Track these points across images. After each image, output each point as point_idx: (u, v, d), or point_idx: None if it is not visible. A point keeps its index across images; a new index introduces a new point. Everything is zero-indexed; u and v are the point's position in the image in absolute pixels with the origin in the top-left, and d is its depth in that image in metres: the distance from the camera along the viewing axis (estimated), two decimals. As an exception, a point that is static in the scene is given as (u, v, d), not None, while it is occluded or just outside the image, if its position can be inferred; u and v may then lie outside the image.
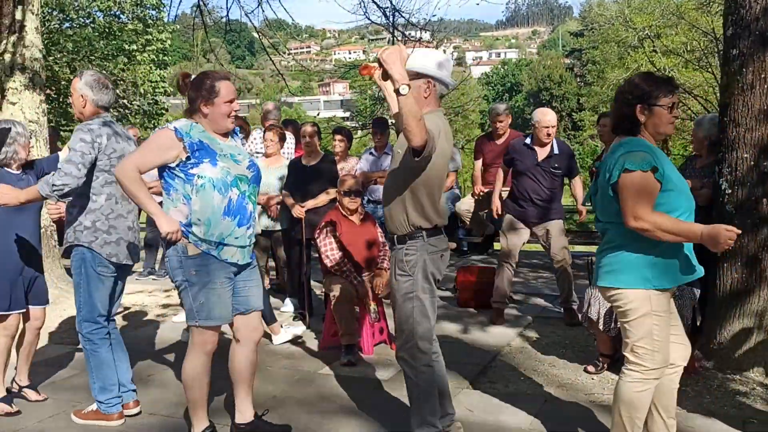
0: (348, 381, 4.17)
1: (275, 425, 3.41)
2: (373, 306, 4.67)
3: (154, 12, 18.65)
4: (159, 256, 7.44)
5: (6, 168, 3.75)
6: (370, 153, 7.20)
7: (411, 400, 3.09)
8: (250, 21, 8.44)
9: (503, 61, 74.40)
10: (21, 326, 3.89)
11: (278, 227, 5.89)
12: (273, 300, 6.40)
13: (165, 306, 6.29)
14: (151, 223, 6.90)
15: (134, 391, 3.74)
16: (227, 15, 8.83)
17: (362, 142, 23.99)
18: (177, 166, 3.05)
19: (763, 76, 4.03)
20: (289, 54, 10.62)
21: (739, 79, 4.11)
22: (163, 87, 20.02)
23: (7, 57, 6.11)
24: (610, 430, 2.92)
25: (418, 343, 2.99)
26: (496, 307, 5.41)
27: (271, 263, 6.88)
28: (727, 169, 4.18)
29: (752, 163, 4.09)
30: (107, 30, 17.53)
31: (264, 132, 6.24)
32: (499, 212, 5.63)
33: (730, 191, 4.17)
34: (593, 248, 9.54)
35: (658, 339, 2.72)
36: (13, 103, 6.11)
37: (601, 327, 4.14)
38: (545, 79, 55.55)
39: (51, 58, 15.60)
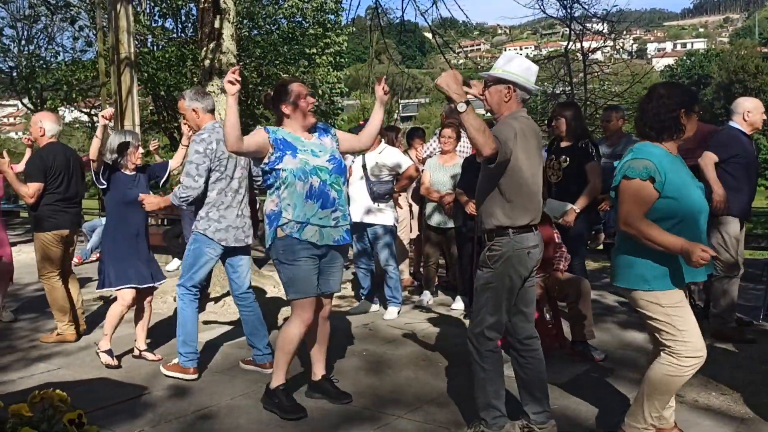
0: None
1: (338, 390, 3.87)
2: (546, 307, 4.53)
3: (332, 17, 19.49)
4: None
5: (122, 170, 4.60)
6: None
7: (476, 383, 3.23)
8: (425, 20, 8.51)
9: (689, 52, 69.18)
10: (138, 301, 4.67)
11: (451, 224, 5.92)
12: (443, 297, 6.47)
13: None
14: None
15: (270, 354, 4.24)
16: (402, 15, 9.02)
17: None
18: (267, 164, 3.57)
19: None
20: (461, 52, 10.57)
21: None
22: (339, 88, 20.88)
23: (207, 62, 6.67)
24: (631, 404, 3.08)
25: (485, 331, 3.17)
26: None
27: (441, 260, 6.92)
28: None
29: None
30: (290, 35, 18.58)
31: (441, 129, 6.28)
32: None
33: None
34: None
35: (683, 329, 2.83)
36: (212, 107, 6.66)
37: None
38: (738, 71, 50.93)
39: (240, 63, 16.84)
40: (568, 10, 10.76)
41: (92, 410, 3.55)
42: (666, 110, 2.86)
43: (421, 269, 6.62)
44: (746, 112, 4.82)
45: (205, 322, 5.51)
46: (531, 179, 3.10)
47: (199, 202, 4.21)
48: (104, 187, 4.54)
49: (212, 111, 4.32)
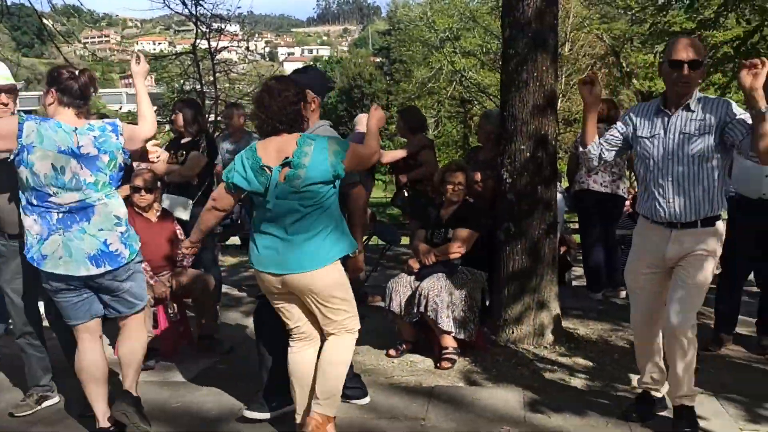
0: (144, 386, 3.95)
1: None
2: (172, 305, 4.48)
3: None
4: None
5: None
6: None
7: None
8: (32, 5, 7.65)
9: (315, 58, 74.97)
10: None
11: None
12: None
13: None
14: None
15: None
16: (5, -4, 7.93)
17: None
18: None
19: (535, 74, 4.41)
20: (81, 43, 9.77)
21: (515, 77, 4.47)
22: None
23: None
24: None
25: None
26: None
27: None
28: (508, 160, 4.53)
29: (529, 154, 4.47)
30: None
31: None
32: None
33: (510, 180, 4.53)
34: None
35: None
36: None
37: (402, 316, 4.33)
38: (356, 77, 56.82)
39: None
40: (191, 8, 10.71)
41: None
42: (289, 103, 2.96)
43: None
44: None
45: None
46: None
47: None
48: None
49: None
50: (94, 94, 3.23)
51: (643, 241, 3.29)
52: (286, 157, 2.92)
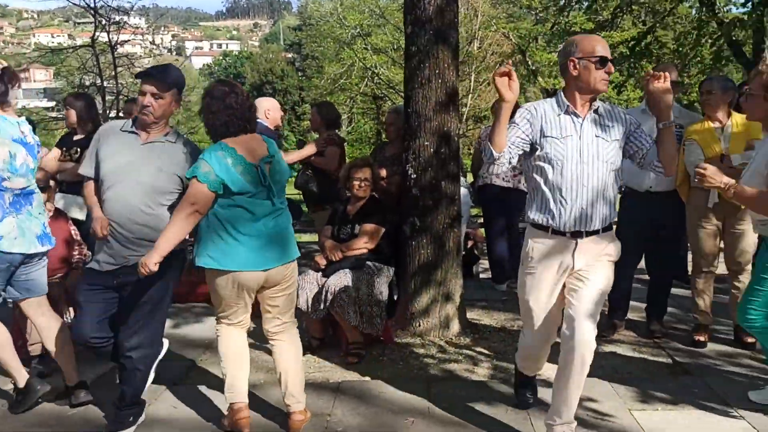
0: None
1: None
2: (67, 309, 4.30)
3: None
4: None
5: None
6: None
7: None
8: None
9: (225, 53, 73.45)
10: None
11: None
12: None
13: None
14: None
15: None
16: None
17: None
18: None
19: (438, 71, 4.49)
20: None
21: (418, 73, 4.53)
22: None
23: None
24: None
25: None
26: None
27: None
28: (412, 155, 4.60)
29: (433, 150, 4.55)
30: None
31: None
32: None
33: (415, 176, 4.59)
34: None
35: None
36: None
37: (309, 313, 4.31)
38: (268, 73, 56.09)
39: None
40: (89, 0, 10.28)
41: None
42: (250, 103, 3.14)
43: None
44: (266, 110, 5.33)
45: None
46: None
47: None
48: None
49: None
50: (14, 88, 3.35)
51: (542, 255, 2.97)
52: (267, 155, 3.10)
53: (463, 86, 23.31)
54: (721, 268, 4.47)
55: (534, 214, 2.98)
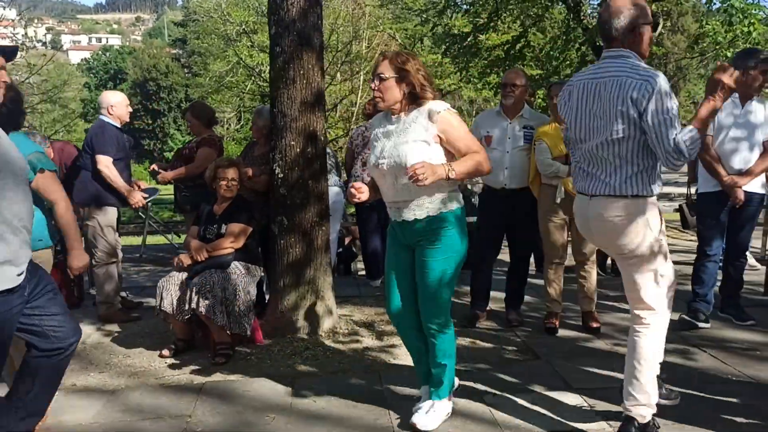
0: None
1: None
2: None
3: None
4: None
5: None
6: None
7: None
8: None
9: (105, 47, 70.09)
10: None
11: None
12: None
13: None
14: None
15: None
16: None
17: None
18: None
19: (302, 72, 4.55)
20: None
21: (283, 74, 4.58)
22: None
23: None
24: None
25: None
26: None
27: None
28: (279, 155, 4.63)
29: (299, 149, 4.60)
30: None
31: None
32: None
33: (282, 175, 4.63)
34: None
35: None
36: None
37: (175, 315, 4.26)
38: (151, 69, 54.04)
39: None
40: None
41: None
42: None
43: None
44: (110, 106, 5.17)
45: None
46: None
47: None
48: None
49: None
50: None
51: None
52: None
53: (352, 85, 23.55)
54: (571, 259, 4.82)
55: (657, 188, 2.86)
